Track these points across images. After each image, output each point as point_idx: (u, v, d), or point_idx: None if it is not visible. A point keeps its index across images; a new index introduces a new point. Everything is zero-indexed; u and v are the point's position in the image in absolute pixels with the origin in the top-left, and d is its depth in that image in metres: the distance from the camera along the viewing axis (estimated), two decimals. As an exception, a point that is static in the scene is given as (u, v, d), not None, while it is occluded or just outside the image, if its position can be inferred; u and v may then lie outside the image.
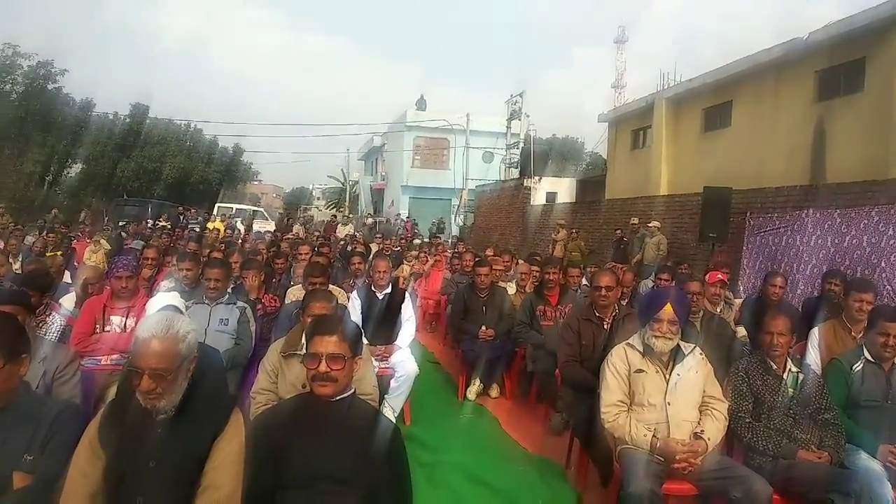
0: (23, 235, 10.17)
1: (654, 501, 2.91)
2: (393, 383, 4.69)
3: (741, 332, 5.25)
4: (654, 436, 3.13)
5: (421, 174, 32.98)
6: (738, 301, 6.42)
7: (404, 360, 4.87)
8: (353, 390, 2.42)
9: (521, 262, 8.53)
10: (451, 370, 6.64)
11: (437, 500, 3.69)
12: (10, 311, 2.67)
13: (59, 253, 8.45)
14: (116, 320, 4.37)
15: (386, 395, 4.54)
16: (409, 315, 5.31)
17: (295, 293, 5.35)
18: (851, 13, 11.05)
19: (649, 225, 12.06)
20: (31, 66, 26.98)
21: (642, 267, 11.18)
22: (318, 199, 56.50)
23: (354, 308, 5.14)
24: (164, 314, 2.26)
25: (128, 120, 31.56)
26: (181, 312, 3.33)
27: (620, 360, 3.36)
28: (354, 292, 5.49)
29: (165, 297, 3.77)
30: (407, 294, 5.55)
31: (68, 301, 4.92)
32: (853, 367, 3.52)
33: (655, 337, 3.25)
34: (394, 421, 3.18)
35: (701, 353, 3.39)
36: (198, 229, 16.83)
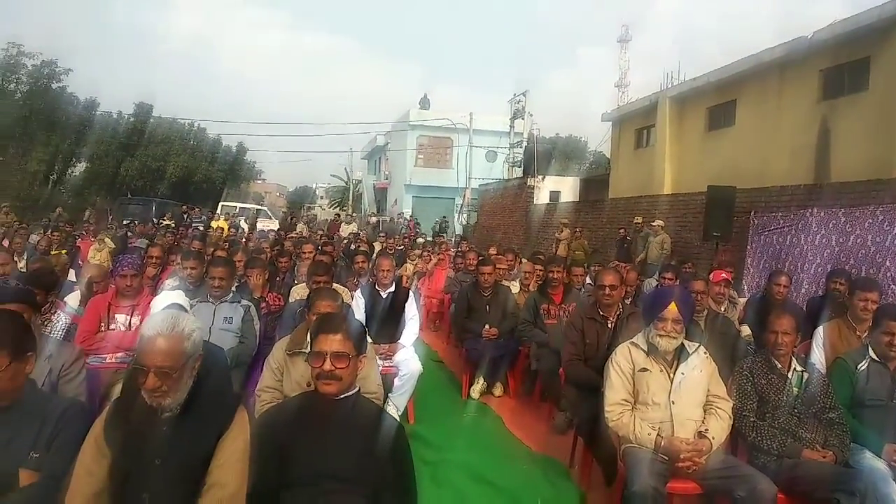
0: (27, 234, 10.18)
1: (659, 500, 2.91)
2: (397, 382, 4.69)
3: (745, 331, 5.24)
4: (658, 435, 3.13)
5: (424, 173, 33.00)
6: (743, 300, 6.41)
7: (408, 358, 4.88)
8: (357, 389, 2.42)
9: (524, 261, 8.52)
10: (454, 369, 6.64)
11: (441, 498, 3.70)
12: (16, 310, 2.68)
13: (63, 251, 8.47)
14: (121, 318, 4.39)
15: (390, 394, 4.53)
16: (412, 314, 5.31)
17: (299, 292, 5.36)
18: (856, 12, 11.03)
19: (653, 224, 12.04)
20: (36, 65, 27.00)
21: (646, 266, 11.15)
22: (322, 197, 56.59)
23: (358, 307, 5.15)
24: (170, 312, 2.26)
25: (132, 119, 31.56)
26: (186, 311, 3.34)
27: (625, 358, 3.36)
28: (358, 291, 5.50)
29: (170, 295, 3.78)
30: (410, 293, 5.55)
31: (73, 299, 4.93)
32: (858, 367, 3.51)
33: (660, 336, 3.25)
34: (397, 419, 3.19)
35: (705, 352, 3.38)
36: (202, 228, 16.87)
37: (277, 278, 6.66)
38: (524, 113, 24.23)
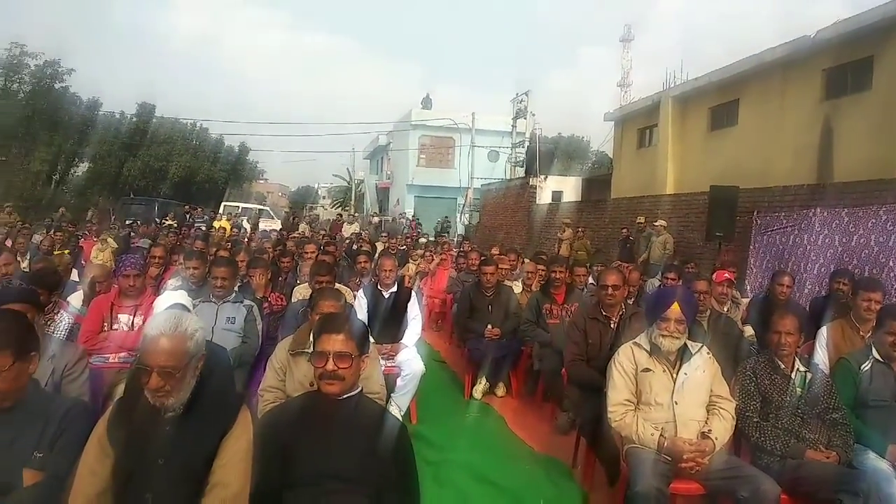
0: (30, 234, 10.20)
1: (662, 501, 2.90)
2: (399, 382, 4.70)
3: (748, 331, 5.23)
4: (661, 435, 3.12)
5: (426, 173, 32.98)
6: (746, 300, 6.40)
7: (410, 358, 4.87)
8: (360, 389, 2.42)
9: (527, 261, 8.52)
10: (457, 369, 6.64)
11: (444, 498, 3.70)
12: (19, 309, 2.68)
13: (66, 251, 8.49)
14: (124, 318, 4.39)
15: (392, 394, 4.54)
16: (415, 314, 5.31)
17: (301, 291, 5.37)
18: (859, 11, 11.01)
19: (655, 224, 12.02)
20: (38, 65, 27.03)
21: (648, 266, 11.14)
22: (324, 197, 56.58)
23: (360, 307, 5.15)
24: (173, 312, 2.26)
25: (134, 119, 31.61)
26: (188, 311, 3.34)
27: (627, 359, 3.36)
28: (360, 291, 5.50)
29: (173, 295, 3.79)
30: (413, 293, 5.55)
31: (76, 299, 4.93)
32: (861, 367, 3.51)
33: (663, 336, 3.25)
34: (400, 419, 3.19)
35: (708, 353, 3.38)
36: (204, 228, 16.88)
37: (280, 278, 6.66)
38: (526, 112, 24.23)
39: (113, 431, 2.09)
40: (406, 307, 5.25)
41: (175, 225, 16.74)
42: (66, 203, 25.11)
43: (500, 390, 5.87)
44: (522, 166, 23.71)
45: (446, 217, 26.86)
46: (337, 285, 4.80)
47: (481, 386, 5.78)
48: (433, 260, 10.62)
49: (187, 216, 21.78)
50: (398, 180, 35.11)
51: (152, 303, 4.21)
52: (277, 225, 22.01)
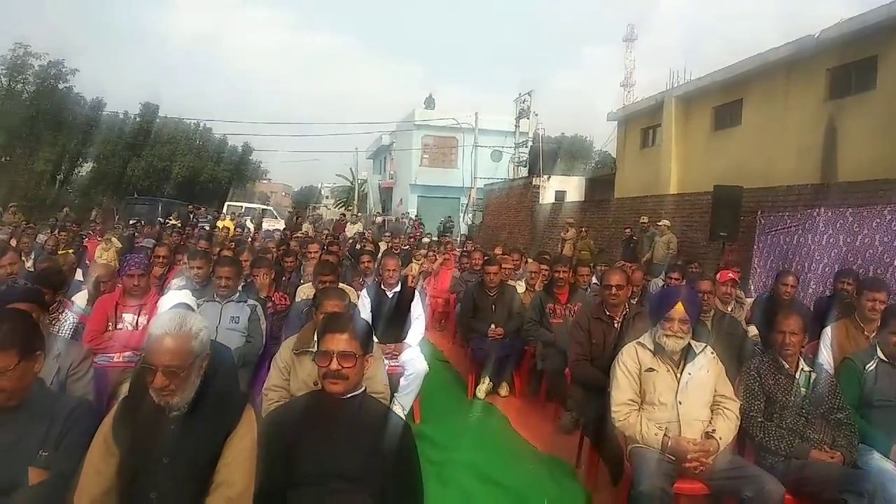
0: (35, 234, 10.24)
1: (665, 501, 2.90)
2: (402, 381, 4.70)
3: (752, 331, 5.23)
4: (665, 435, 3.12)
5: (429, 173, 32.98)
6: (749, 300, 6.40)
7: (414, 358, 4.88)
8: (364, 388, 2.43)
9: (530, 260, 8.52)
10: (460, 368, 6.64)
11: (447, 498, 3.70)
12: (24, 309, 2.69)
13: (70, 251, 8.50)
14: (128, 318, 4.40)
15: (395, 394, 4.55)
16: (418, 313, 5.31)
17: (305, 291, 5.38)
18: (863, 11, 10.98)
19: (659, 224, 12.00)
20: (42, 65, 27.14)
21: (652, 266, 11.13)
22: (327, 197, 56.66)
23: (364, 306, 5.15)
24: (177, 311, 2.27)
25: (138, 119, 31.70)
26: (193, 310, 3.35)
27: (631, 358, 3.35)
28: (364, 291, 5.50)
29: (177, 294, 3.79)
30: (416, 292, 5.56)
31: (80, 299, 4.95)
32: (866, 367, 3.50)
33: (666, 336, 3.24)
34: (403, 419, 3.19)
35: (712, 352, 3.37)
36: (208, 228, 16.91)
37: (283, 278, 6.67)
38: (529, 112, 24.21)
39: (118, 430, 2.10)
40: (409, 307, 5.26)
41: (179, 225, 16.76)
42: (70, 203, 25.19)
43: (504, 390, 5.87)
44: (525, 166, 23.69)
45: (449, 217, 26.84)
46: (340, 285, 4.80)
47: (485, 385, 5.78)
48: (436, 260, 10.62)
49: (191, 216, 21.82)
50: (401, 180, 35.13)
51: (156, 302, 4.22)
52: (281, 225, 22.08)
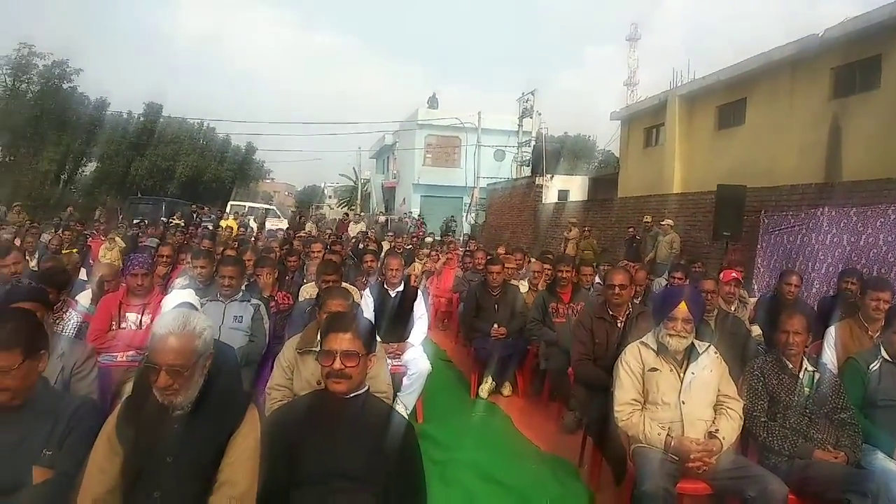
0: (39, 233, 10.25)
1: (669, 500, 2.90)
2: (405, 381, 4.70)
3: (756, 330, 5.22)
4: (668, 434, 3.11)
5: (432, 172, 32.99)
6: (753, 300, 6.38)
7: (417, 357, 4.88)
8: (367, 388, 2.43)
9: (533, 260, 8.51)
10: (463, 368, 6.64)
11: (450, 497, 3.70)
12: (29, 308, 2.70)
13: (74, 250, 8.54)
14: (132, 317, 4.41)
15: (398, 393, 4.55)
16: (421, 313, 5.32)
17: (308, 290, 5.39)
18: (867, 10, 10.94)
19: (662, 223, 11.98)
20: (47, 65, 27.23)
21: (655, 265, 11.11)
22: (330, 197, 56.71)
23: (367, 306, 5.16)
24: (181, 311, 2.27)
25: (142, 119, 31.77)
26: (197, 309, 3.35)
27: (634, 358, 3.35)
28: (367, 290, 5.51)
29: (181, 294, 3.81)
30: (419, 292, 5.56)
31: (84, 298, 4.96)
32: (870, 367, 3.49)
33: (670, 335, 3.24)
34: (406, 418, 3.19)
35: (716, 352, 3.37)
36: (211, 227, 16.94)
37: (287, 277, 6.68)
38: (532, 112, 24.22)
39: (122, 429, 2.10)
40: (412, 306, 5.26)
41: (182, 224, 16.80)
42: (74, 202, 25.23)
43: (507, 389, 5.86)
44: (528, 165, 23.67)
45: (452, 216, 26.84)
46: (343, 284, 4.81)
47: (487, 385, 5.78)
48: (439, 259, 10.62)
49: (194, 215, 21.88)
50: (404, 180, 35.15)
51: (160, 301, 4.23)
52: (284, 224, 22.07)
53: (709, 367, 3.28)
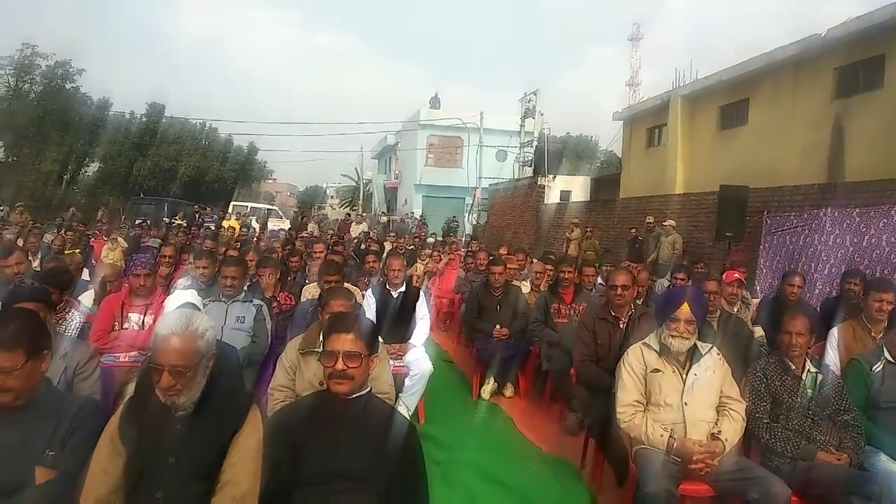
0: (41, 233, 10.26)
1: (671, 502, 2.89)
2: (407, 382, 4.70)
3: (758, 332, 5.21)
4: (670, 436, 3.11)
5: (434, 173, 32.98)
6: (755, 301, 6.38)
7: (419, 358, 4.88)
8: (369, 388, 2.43)
9: (535, 260, 8.51)
10: (465, 369, 6.64)
11: (452, 498, 3.70)
12: (32, 308, 2.70)
13: (77, 251, 8.54)
14: (135, 317, 4.41)
15: (400, 394, 4.53)
16: (423, 314, 5.32)
17: (310, 291, 5.39)
18: (870, 9, 10.91)
19: (665, 224, 11.98)
20: (49, 65, 27.29)
21: (657, 266, 11.10)
22: (332, 197, 56.76)
23: (369, 306, 5.15)
24: (184, 311, 2.27)
25: (144, 119, 31.82)
26: (199, 310, 3.35)
27: (637, 359, 3.35)
28: (369, 291, 5.50)
29: (183, 294, 3.81)
30: (421, 293, 5.56)
31: (87, 298, 4.96)
32: (873, 368, 3.48)
33: (672, 336, 3.23)
34: (408, 419, 3.19)
35: (718, 353, 3.36)
36: (213, 227, 16.96)
37: (289, 278, 6.68)
38: (535, 112, 24.19)
39: (125, 430, 2.10)
40: (414, 307, 5.26)
41: (185, 224, 16.82)
42: (76, 203, 25.27)
43: (509, 390, 5.86)
44: (531, 166, 23.64)
45: (454, 217, 26.83)
46: (345, 285, 4.81)
47: (489, 386, 5.78)
48: (441, 260, 10.62)
49: (197, 216, 21.89)
50: (406, 180, 35.14)
51: (163, 302, 4.24)
52: (286, 224, 22.09)
53: (711, 369, 3.28)
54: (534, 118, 24.27)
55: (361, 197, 41.59)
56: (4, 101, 26.50)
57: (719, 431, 3.13)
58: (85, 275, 6.45)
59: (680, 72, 18.39)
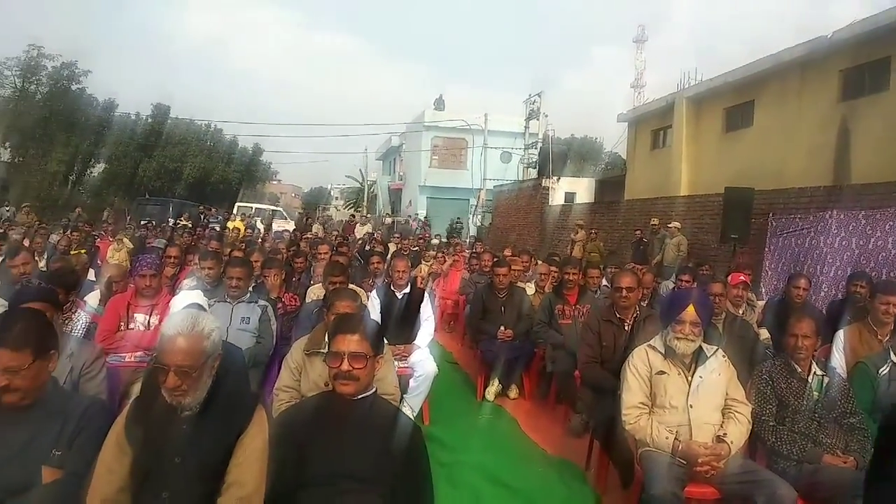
0: (48, 234, 10.32)
1: (676, 505, 2.89)
2: (412, 383, 4.70)
3: (764, 334, 5.19)
4: (675, 438, 3.10)
5: (439, 174, 32.97)
6: (761, 303, 6.36)
7: (423, 359, 4.88)
8: (374, 389, 2.43)
9: (539, 262, 8.50)
10: (469, 370, 6.64)
11: (456, 499, 3.70)
12: (38, 308, 2.71)
13: (83, 251, 8.56)
14: (140, 318, 4.43)
15: (405, 395, 4.54)
16: (427, 315, 5.31)
17: (315, 292, 5.39)
18: (876, 12, 10.90)
19: (669, 226, 11.95)
20: (56, 66, 27.42)
21: (662, 268, 11.08)
22: (337, 198, 56.77)
23: (374, 308, 5.15)
24: (190, 312, 2.28)
25: (149, 120, 31.95)
26: (205, 310, 3.36)
27: (642, 361, 3.34)
28: (373, 292, 5.50)
29: (189, 295, 3.82)
30: (426, 294, 5.56)
31: (93, 299, 4.98)
32: (879, 371, 3.48)
33: (677, 339, 3.22)
34: (413, 420, 3.19)
35: (723, 355, 3.35)
36: (218, 228, 16.98)
37: (293, 279, 6.69)
38: (539, 114, 24.18)
39: (130, 430, 2.11)
40: (419, 308, 5.25)
41: (190, 225, 16.84)
42: (82, 203, 25.38)
43: (513, 392, 5.85)
44: (535, 167, 23.66)
45: (458, 218, 26.84)
46: (350, 286, 4.81)
47: (494, 387, 5.77)
48: (446, 261, 10.62)
49: (202, 217, 21.93)
50: (411, 181, 35.15)
51: (168, 302, 4.25)
52: (291, 226, 22.13)
53: (717, 371, 3.27)
54: (538, 120, 24.25)
55: (366, 198, 41.65)
56: (11, 101, 26.63)
57: (725, 434, 3.12)
58: (91, 275, 6.47)
59: (685, 73, 18.44)
